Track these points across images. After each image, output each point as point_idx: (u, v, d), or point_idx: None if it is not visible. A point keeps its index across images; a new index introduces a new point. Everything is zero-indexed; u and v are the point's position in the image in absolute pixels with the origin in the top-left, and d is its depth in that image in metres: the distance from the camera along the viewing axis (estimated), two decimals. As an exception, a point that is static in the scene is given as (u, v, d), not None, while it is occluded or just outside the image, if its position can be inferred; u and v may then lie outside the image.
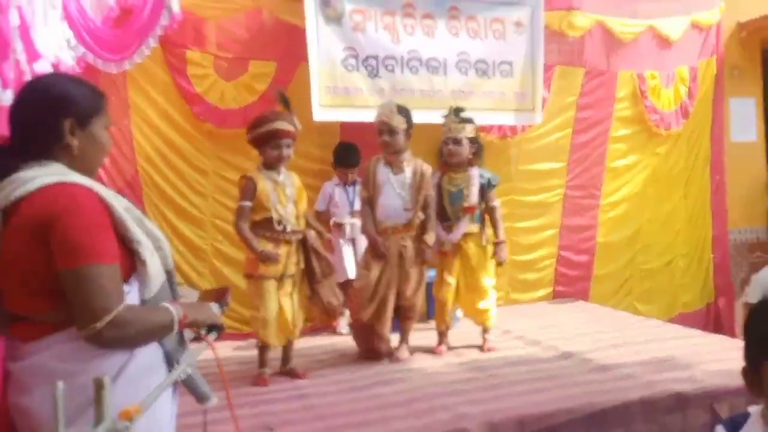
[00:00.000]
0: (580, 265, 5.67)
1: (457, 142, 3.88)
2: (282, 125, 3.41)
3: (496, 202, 4.03)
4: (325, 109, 4.50)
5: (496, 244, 3.97)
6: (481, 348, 4.01)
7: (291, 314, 3.41)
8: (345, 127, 4.72)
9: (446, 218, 3.91)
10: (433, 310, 4.80)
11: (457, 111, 3.97)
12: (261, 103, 4.41)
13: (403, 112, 3.75)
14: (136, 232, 1.48)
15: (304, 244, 3.48)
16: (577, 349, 3.94)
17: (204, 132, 4.52)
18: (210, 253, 4.60)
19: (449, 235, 3.85)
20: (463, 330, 4.32)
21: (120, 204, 1.48)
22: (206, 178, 4.57)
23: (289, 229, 3.39)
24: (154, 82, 4.36)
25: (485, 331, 4.05)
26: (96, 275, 1.38)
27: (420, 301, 3.89)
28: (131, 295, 1.48)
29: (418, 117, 4.57)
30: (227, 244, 4.57)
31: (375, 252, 3.73)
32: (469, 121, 3.95)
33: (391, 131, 3.69)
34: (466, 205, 3.88)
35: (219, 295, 1.81)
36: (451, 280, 3.88)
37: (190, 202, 4.54)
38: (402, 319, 3.88)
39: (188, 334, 1.64)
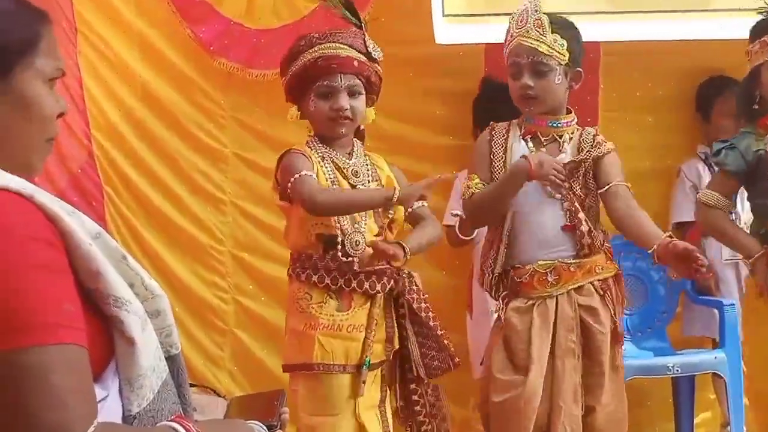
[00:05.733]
0: None
1: None
2: (334, 49, 2.33)
3: None
4: (456, 24, 3.11)
5: None
6: None
7: None
8: (493, 53, 2.96)
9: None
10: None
11: None
12: (319, 19, 2.87)
13: (563, 27, 2.40)
14: (115, 281, 0.96)
15: (397, 301, 2.38)
16: None
17: (219, 76, 2.96)
18: (231, 317, 2.89)
19: None
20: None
21: (84, 228, 0.95)
22: (222, 168, 2.96)
23: (358, 265, 2.29)
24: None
25: None
26: (42, 367, 0.88)
27: (625, 423, 2.63)
28: (109, 404, 0.96)
29: (655, 32, 3.11)
30: (266, 294, 2.88)
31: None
32: None
33: (536, 68, 2.39)
34: None
35: (265, 405, 1.23)
36: None
37: (192, 215, 2.94)
38: None
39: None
